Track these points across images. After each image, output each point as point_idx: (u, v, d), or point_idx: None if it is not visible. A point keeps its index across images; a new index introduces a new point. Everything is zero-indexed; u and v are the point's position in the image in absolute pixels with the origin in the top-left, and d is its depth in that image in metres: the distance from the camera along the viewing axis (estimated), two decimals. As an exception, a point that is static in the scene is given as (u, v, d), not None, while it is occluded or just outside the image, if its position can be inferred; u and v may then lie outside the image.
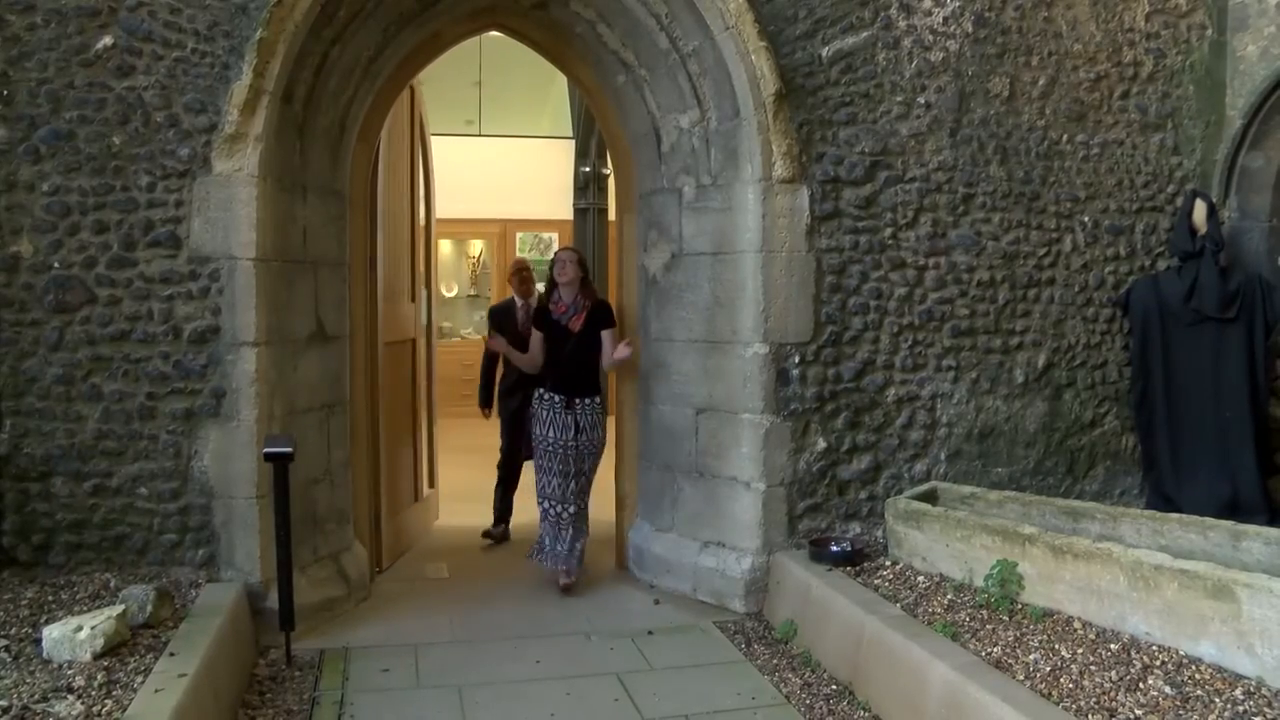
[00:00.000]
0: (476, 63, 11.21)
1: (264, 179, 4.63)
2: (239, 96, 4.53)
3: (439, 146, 11.55)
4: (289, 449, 4.36)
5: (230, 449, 4.64)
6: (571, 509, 5.65)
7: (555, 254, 5.92)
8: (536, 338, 5.87)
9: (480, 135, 12.49)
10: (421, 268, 6.87)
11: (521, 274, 7.11)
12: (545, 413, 5.67)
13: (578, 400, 5.67)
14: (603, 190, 12.04)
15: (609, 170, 11.03)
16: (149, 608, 4.02)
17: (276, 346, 4.75)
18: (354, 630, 4.95)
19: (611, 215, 10.62)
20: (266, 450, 4.40)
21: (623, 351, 5.70)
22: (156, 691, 3.37)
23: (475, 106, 12.35)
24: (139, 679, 3.49)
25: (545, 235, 12.78)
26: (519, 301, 6.88)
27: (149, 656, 3.70)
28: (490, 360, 7.05)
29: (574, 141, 12.36)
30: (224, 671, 3.91)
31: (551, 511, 5.67)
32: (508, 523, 6.79)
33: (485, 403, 7.17)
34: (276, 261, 4.75)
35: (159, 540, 4.65)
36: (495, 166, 12.27)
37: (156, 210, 4.58)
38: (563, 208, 12.41)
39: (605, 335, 5.77)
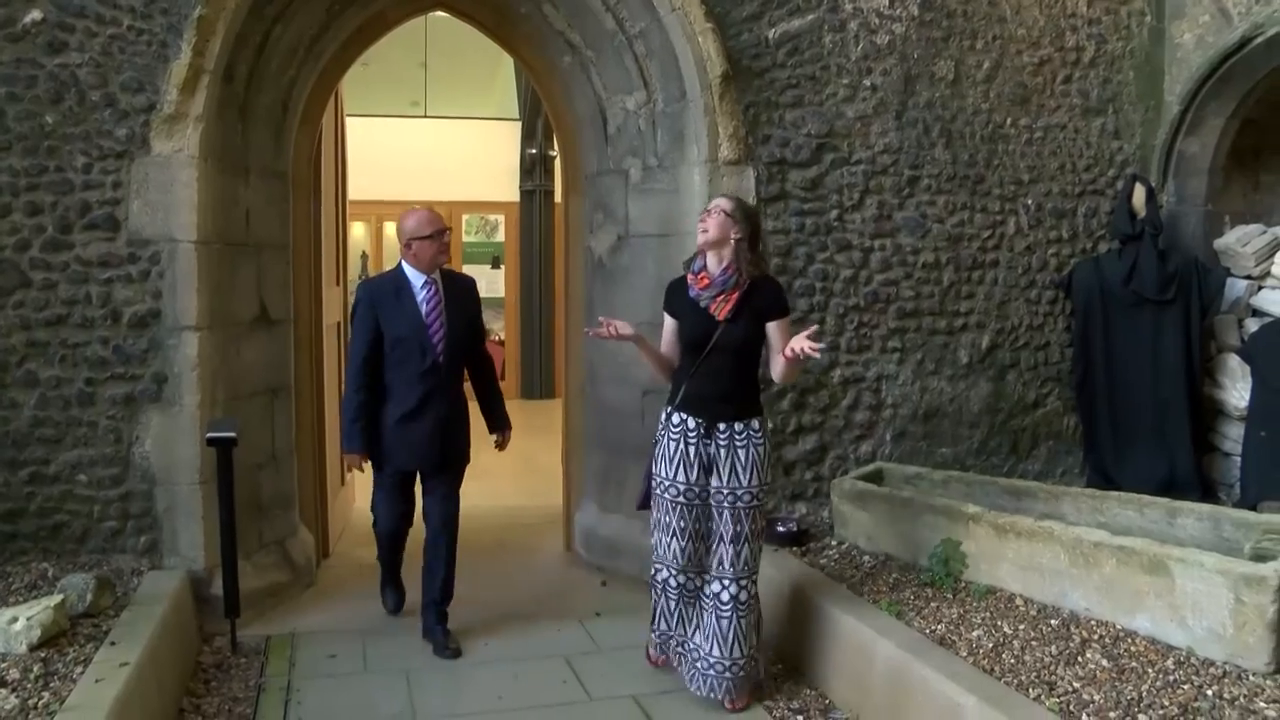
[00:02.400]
0: (422, 43, 11.07)
1: (204, 160, 4.54)
2: (178, 76, 4.43)
3: (385, 128, 11.57)
4: (232, 434, 4.30)
5: (172, 434, 4.56)
6: (731, 589, 3.85)
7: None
8: (669, 328, 4.08)
9: (426, 117, 12.36)
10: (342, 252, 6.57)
11: (426, 238, 4.43)
12: (671, 444, 3.90)
13: (720, 426, 3.87)
14: (549, 172, 11.97)
15: (555, 152, 10.97)
16: (89, 596, 3.94)
17: (219, 330, 4.68)
18: (300, 616, 4.90)
19: (558, 197, 10.56)
20: (209, 435, 4.33)
21: (800, 344, 3.62)
22: (97, 681, 3.31)
23: (421, 88, 12.20)
24: (79, 669, 3.43)
25: (492, 217, 12.69)
26: (420, 279, 4.49)
27: (89, 646, 3.63)
28: (360, 376, 4.46)
29: (521, 123, 12.28)
30: (167, 660, 3.85)
31: (663, 577, 4.00)
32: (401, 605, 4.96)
33: (360, 443, 4.50)
34: (218, 244, 4.66)
35: (99, 528, 4.56)
36: (441, 148, 12.14)
37: (93, 192, 4.47)
38: (509, 190, 12.33)
39: (773, 329, 3.88)
